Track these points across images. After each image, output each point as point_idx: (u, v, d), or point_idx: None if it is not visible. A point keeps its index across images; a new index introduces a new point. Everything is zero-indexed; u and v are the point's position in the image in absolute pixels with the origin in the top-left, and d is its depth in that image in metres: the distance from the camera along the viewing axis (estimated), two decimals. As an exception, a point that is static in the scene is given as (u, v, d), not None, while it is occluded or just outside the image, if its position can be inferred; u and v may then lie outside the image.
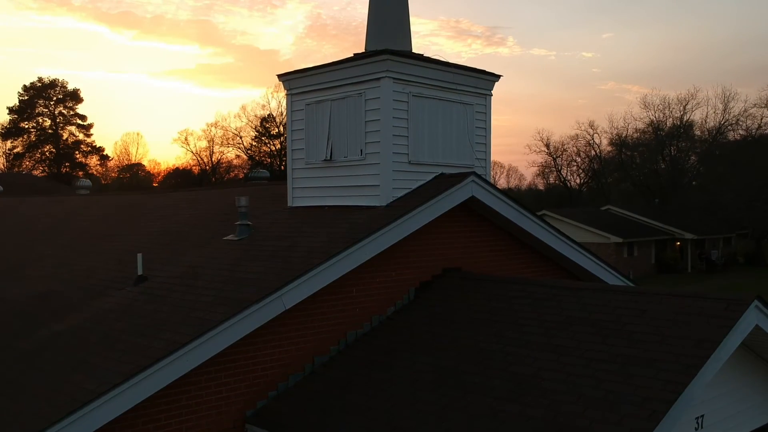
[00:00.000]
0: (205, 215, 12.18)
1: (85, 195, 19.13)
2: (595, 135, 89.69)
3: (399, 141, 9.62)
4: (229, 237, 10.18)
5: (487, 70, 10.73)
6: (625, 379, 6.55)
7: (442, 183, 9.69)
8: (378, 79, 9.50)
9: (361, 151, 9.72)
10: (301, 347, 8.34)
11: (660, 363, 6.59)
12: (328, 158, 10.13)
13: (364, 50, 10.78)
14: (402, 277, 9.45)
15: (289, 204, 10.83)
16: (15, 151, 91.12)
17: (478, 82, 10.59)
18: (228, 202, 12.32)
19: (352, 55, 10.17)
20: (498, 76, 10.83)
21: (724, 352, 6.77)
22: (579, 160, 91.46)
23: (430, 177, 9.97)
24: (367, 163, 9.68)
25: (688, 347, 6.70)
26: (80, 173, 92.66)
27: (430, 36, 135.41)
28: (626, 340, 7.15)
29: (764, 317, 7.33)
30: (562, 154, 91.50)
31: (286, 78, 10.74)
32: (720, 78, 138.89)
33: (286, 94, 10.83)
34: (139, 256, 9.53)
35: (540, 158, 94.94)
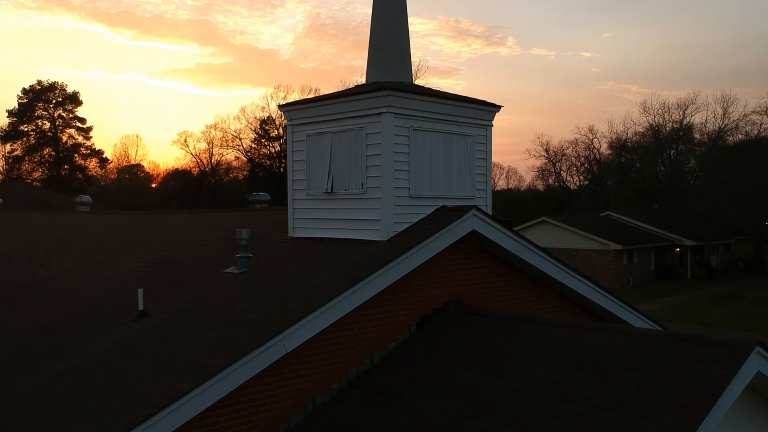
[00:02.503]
0: (206, 242, 12.17)
1: (84, 212, 19.14)
2: (595, 140, 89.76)
3: (400, 175, 9.63)
4: (230, 269, 10.18)
5: (487, 100, 10.75)
6: (627, 430, 6.55)
7: (443, 217, 9.68)
8: (379, 113, 9.50)
9: (362, 185, 9.72)
10: (302, 387, 8.33)
11: (661, 414, 6.59)
12: (329, 191, 10.13)
13: (365, 80, 10.81)
14: (403, 312, 9.44)
15: (290, 234, 10.83)
16: (14, 154, 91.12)
17: (479, 114, 10.59)
18: (228, 229, 12.31)
19: (354, 86, 10.20)
20: (498, 107, 10.83)
21: (726, 401, 6.76)
22: (579, 164, 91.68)
23: (431, 210, 9.97)
24: (368, 197, 9.69)
25: (690, 397, 6.69)
26: (79, 175, 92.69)
27: (429, 36, 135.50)
28: (627, 387, 7.15)
29: (766, 362, 7.33)
30: (561, 159, 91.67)
31: (287, 109, 10.74)
32: (720, 78, 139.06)
33: (287, 124, 10.83)
34: (140, 291, 9.53)
35: (539, 162, 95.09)
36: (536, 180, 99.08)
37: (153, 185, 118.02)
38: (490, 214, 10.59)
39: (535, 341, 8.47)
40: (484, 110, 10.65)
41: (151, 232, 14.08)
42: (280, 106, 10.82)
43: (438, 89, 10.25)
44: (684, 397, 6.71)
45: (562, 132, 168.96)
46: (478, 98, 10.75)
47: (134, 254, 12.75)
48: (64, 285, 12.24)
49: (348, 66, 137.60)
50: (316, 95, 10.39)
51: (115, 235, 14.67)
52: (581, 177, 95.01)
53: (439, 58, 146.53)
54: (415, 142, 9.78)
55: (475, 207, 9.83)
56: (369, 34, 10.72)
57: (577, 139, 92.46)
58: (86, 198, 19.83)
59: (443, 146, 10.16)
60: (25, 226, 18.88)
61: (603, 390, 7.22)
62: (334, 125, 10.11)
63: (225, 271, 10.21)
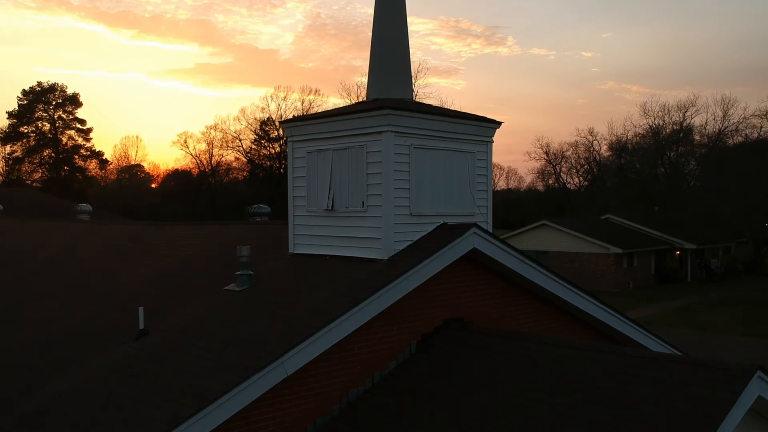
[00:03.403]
0: (206, 257, 12.17)
1: (85, 220, 19.13)
2: (595, 142, 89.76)
3: (401, 194, 9.62)
4: (231, 287, 10.17)
5: (488, 117, 10.74)
6: (627, 457, 6.54)
7: (444, 235, 9.67)
8: (379, 132, 9.49)
9: (363, 202, 9.72)
10: (303, 408, 8.32)
11: (663, 441, 6.58)
12: (330, 208, 10.12)
13: (366, 96, 10.81)
14: (403, 330, 9.43)
15: (290, 250, 10.81)
16: (14, 155, 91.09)
17: (479, 130, 10.58)
18: (229, 243, 12.31)
19: (354, 103, 10.18)
20: (498, 123, 10.83)
21: (727, 427, 6.76)
22: (578, 166, 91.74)
23: (431, 227, 9.96)
24: (368, 215, 9.68)
25: (692, 423, 6.69)
26: (79, 176, 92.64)
27: (429, 36, 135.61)
28: (629, 411, 7.14)
29: (767, 387, 7.33)
30: (561, 161, 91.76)
31: (287, 125, 10.74)
32: (720, 77, 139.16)
33: (287, 140, 10.82)
34: (141, 310, 9.52)
35: (539, 164, 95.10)
36: (536, 180, 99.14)
37: (153, 185, 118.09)
38: (491, 230, 10.60)
39: (536, 362, 8.46)
40: (484, 127, 10.64)
41: (152, 244, 14.07)
42: (280, 123, 10.84)
43: (438, 106, 10.25)
44: (686, 423, 6.70)
45: (562, 132, 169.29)
46: (478, 114, 10.76)
47: (134, 268, 12.74)
48: (65, 299, 12.24)
49: (348, 66, 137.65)
50: (317, 112, 10.38)
51: (115, 247, 14.65)
52: (581, 178, 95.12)
53: (439, 57, 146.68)
54: (416, 159, 9.78)
55: (476, 225, 9.82)
56: (369, 50, 10.71)
57: (577, 141, 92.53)
58: (86, 207, 19.83)
59: (444, 163, 10.15)
60: (25, 235, 18.87)
61: (604, 414, 7.21)
62: (335, 142, 10.11)
63: (225, 288, 10.21)
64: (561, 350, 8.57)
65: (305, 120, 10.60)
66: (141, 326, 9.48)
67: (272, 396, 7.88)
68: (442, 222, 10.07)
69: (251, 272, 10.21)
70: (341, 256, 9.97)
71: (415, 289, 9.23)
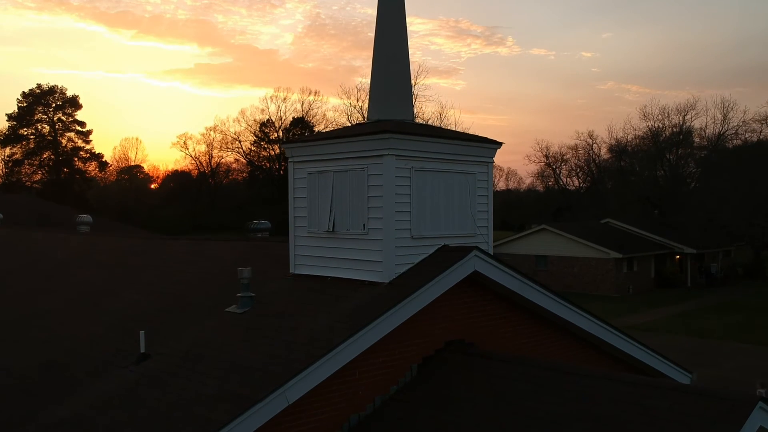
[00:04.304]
0: (208, 275, 12.16)
1: (85, 232, 19.12)
2: (594, 145, 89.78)
3: (401, 217, 9.62)
4: (232, 308, 10.17)
5: (488, 137, 10.75)
6: (629, 491, 6.54)
7: (445, 258, 9.67)
8: (380, 156, 9.49)
9: (364, 225, 9.72)
10: (304, 434, 8.31)
11: (664, 475, 6.58)
12: (331, 230, 10.12)
13: (366, 117, 10.80)
14: (404, 353, 9.42)
15: (291, 270, 10.81)
16: (14, 158, 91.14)
17: (480, 151, 10.59)
18: (230, 260, 12.31)
19: (356, 125, 10.19)
20: (499, 144, 10.83)
21: (728, 460, 6.76)
22: (578, 170, 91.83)
23: (432, 249, 9.96)
24: (369, 238, 9.68)
25: (692, 457, 6.69)
26: (78, 177, 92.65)
27: (429, 36, 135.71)
28: (630, 442, 7.14)
29: (768, 417, 7.33)
30: (561, 165, 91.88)
31: (288, 146, 10.74)
32: (720, 77, 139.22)
33: (288, 161, 10.82)
34: (142, 333, 9.52)
35: (539, 168, 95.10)
36: (536, 181, 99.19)
37: (153, 186, 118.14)
38: (491, 251, 10.60)
39: (537, 389, 8.45)
40: (485, 147, 10.64)
41: (152, 260, 14.07)
42: (281, 143, 10.96)
43: (439, 127, 10.28)
44: (687, 457, 6.70)
45: (562, 132, 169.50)
46: (479, 135, 10.77)
47: (135, 285, 12.74)
48: (65, 318, 12.23)
49: (348, 66, 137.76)
50: (318, 132, 10.38)
51: (115, 262, 14.66)
52: (580, 180, 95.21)
53: (439, 58, 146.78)
54: (417, 182, 9.78)
55: (477, 248, 9.81)
56: (371, 70, 10.72)
57: (577, 145, 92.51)
58: (87, 218, 19.81)
59: (444, 185, 10.15)
60: (25, 247, 18.87)
61: (605, 445, 7.21)
62: (336, 164, 10.11)
63: (226, 310, 10.20)
64: (562, 376, 8.57)
65: (306, 141, 10.60)
66: (142, 350, 9.48)
67: (273, 425, 7.87)
68: (443, 244, 10.07)
69: (252, 294, 10.21)
70: (342, 278, 9.97)
71: (417, 311, 9.23)
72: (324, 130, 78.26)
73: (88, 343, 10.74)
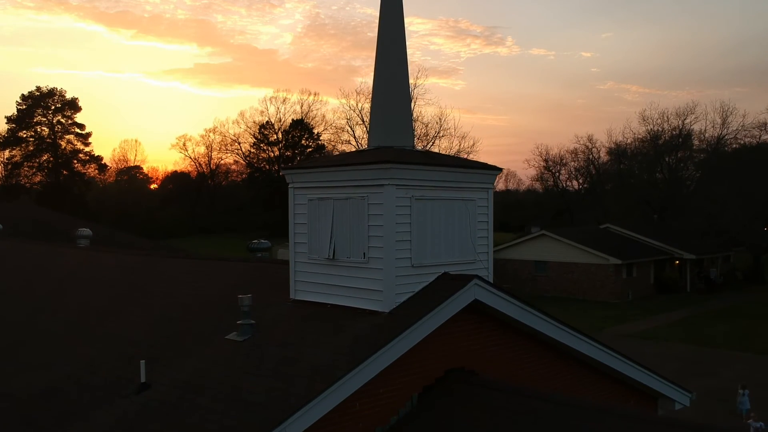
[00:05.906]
0: (209, 298, 12.16)
1: (85, 246, 19.12)
2: (594, 149, 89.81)
3: (402, 245, 9.63)
4: (232, 336, 10.17)
5: (488, 163, 10.76)
6: None
7: (446, 287, 9.67)
8: (381, 185, 9.50)
9: (364, 254, 9.72)
10: (304, 468, 8.31)
11: None
12: (331, 257, 10.13)
13: (367, 143, 10.81)
14: (404, 383, 9.42)
15: (291, 296, 10.82)
16: (14, 160, 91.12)
17: (481, 178, 10.59)
18: (231, 282, 12.33)
19: (356, 152, 10.20)
20: (499, 170, 10.84)
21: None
22: (577, 174, 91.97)
23: (432, 277, 9.97)
24: (370, 266, 9.69)
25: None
26: (77, 178, 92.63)
27: (429, 36, 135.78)
28: (630, 481, 7.16)
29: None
30: (560, 169, 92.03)
31: (288, 172, 10.75)
32: (720, 77, 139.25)
33: (288, 186, 10.83)
34: (142, 363, 9.52)
35: (538, 172, 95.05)
36: (535, 182, 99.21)
37: (152, 186, 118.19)
38: (491, 277, 10.61)
39: (537, 421, 8.47)
40: (485, 174, 10.65)
41: (152, 280, 14.07)
42: (281, 169, 10.85)
43: (439, 153, 10.26)
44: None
45: (561, 133, 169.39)
46: (479, 161, 10.78)
47: (136, 307, 12.73)
48: (65, 341, 12.21)
49: (347, 66, 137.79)
50: (318, 157, 10.39)
51: (115, 282, 14.65)
52: (579, 183, 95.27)
53: (439, 58, 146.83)
54: (417, 210, 9.79)
55: (477, 276, 9.82)
56: (371, 96, 10.73)
57: (576, 149, 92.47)
58: (86, 231, 19.79)
59: (445, 212, 10.16)
60: (24, 261, 18.85)
61: (605, 484, 7.23)
62: (336, 192, 10.12)
63: (227, 337, 10.20)
64: (563, 408, 8.59)
65: (306, 168, 10.62)
66: (143, 379, 9.48)
67: (273, 460, 7.89)
68: (443, 272, 10.07)
69: (253, 321, 10.22)
70: (342, 305, 9.98)
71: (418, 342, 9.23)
72: (323, 155, 78.26)
73: (88, 370, 10.74)
